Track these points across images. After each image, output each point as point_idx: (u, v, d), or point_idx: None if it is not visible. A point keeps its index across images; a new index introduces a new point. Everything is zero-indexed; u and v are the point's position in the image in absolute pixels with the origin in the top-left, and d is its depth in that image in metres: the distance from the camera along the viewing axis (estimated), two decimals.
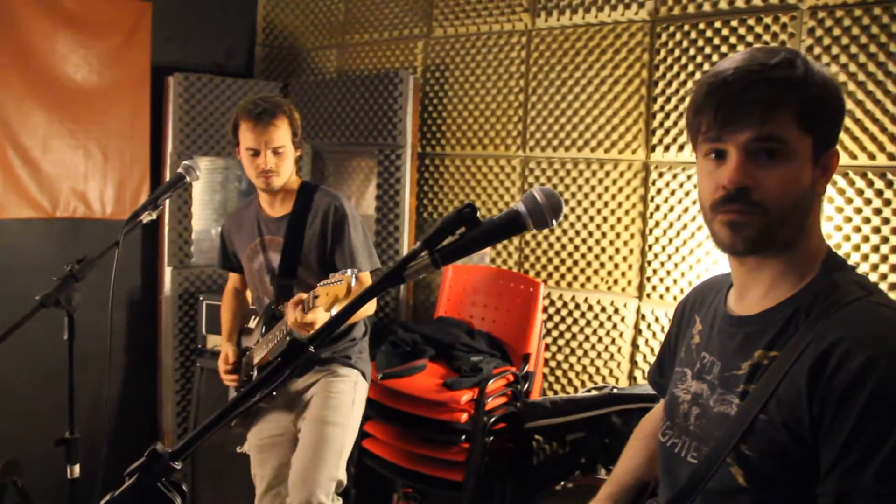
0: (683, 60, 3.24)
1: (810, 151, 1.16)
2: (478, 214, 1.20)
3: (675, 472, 1.29)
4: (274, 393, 2.65)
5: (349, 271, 2.22)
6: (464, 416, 3.12)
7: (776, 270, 1.22)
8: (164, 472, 1.11)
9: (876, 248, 2.81)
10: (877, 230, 2.81)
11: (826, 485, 1.05)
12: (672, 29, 3.28)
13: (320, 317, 2.33)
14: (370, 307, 2.78)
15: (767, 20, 3.06)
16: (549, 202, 1.18)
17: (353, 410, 2.77)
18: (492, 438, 3.19)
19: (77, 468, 2.32)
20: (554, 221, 1.19)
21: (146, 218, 2.37)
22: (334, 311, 2.40)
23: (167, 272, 4.12)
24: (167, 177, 4.06)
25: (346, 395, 2.75)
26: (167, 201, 3.58)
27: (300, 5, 4.62)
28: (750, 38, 3.09)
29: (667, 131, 3.28)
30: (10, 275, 3.55)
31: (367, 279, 2.76)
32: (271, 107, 2.64)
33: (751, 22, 3.09)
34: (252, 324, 2.98)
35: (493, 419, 3.19)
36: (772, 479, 1.12)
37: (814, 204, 1.20)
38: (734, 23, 3.13)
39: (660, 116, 3.30)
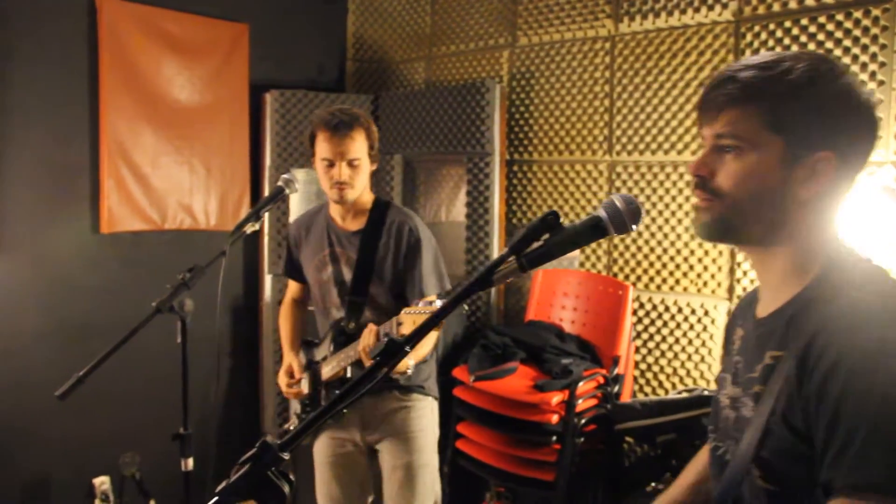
0: None
1: (780, 152, 1.19)
2: (560, 220, 1.26)
3: (721, 475, 1.31)
4: (345, 410, 2.71)
5: (438, 301, 2.23)
6: (555, 418, 3.16)
7: (779, 270, 1.25)
8: (274, 461, 1.19)
9: None
10: None
11: (819, 477, 1.06)
12: (757, 28, 3.25)
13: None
14: (432, 336, 2.70)
15: (857, 14, 3.00)
16: (628, 208, 1.23)
17: (433, 438, 2.84)
18: (582, 439, 3.22)
19: (191, 461, 2.48)
20: (633, 227, 1.24)
21: (249, 229, 2.51)
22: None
23: (267, 279, 4.31)
24: (266, 189, 4.25)
25: (428, 430, 2.80)
26: (267, 213, 3.77)
27: (388, 20, 4.76)
28: (839, 34, 3.04)
29: None
30: (125, 283, 3.79)
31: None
32: (349, 118, 2.60)
33: (839, 17, 3.04)
34: (318, 336, 2.96)
35: (583, 420, 3.22)
36: (786, 477, 1.14)
37: (786, 203, 1.20)
38: (822, 19, 3.09)
39: None
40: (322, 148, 2.61)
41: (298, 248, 2.89)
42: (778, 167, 1.19)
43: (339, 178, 2.59)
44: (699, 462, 1.56)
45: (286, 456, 1.21)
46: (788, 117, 1.18)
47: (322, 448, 2.85)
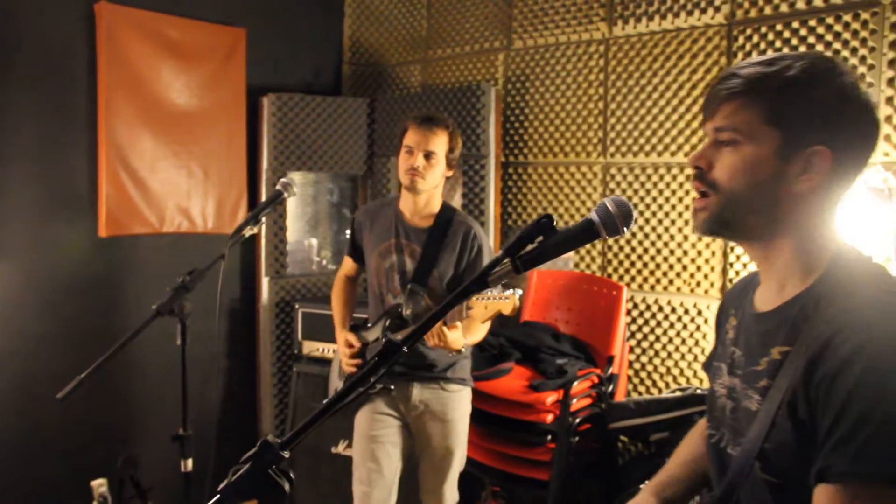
0: None
1: (776, 145, 1.22)
2: (554, 223, 1.29)
3: (720, 464, 1.34)
4: (392, 386, 2.87)
5: (517, 292, 2.40)
6: (549, 417, 3.20)
7: (780, 265, 1.27)
8: (275, 459, 1.21)
9: None
10: None
11: (814, 461, 1.08)
12: (749, 31, 3.29)
13: (457, 336, 2.58)
14: (488, 322, 2.87)
15: (847, 17, 3.04)
16: (620, 211, 1.26)
17: (466, 424, 3.04)
18: (577, 439, 3.26)
19: (190, 462, 2.50)
20: (625, 229, 1.27)
21: (248, 232, 2.54)
22: (467, 338, 2.70)
23: (264, 282, 4.33)
24: (263, 192, 4.28)
25: (464, 418, 3.02)
26: (265, 216, 3.80)
27: (384, 23, 4.79)
28: (829, 37, 3.08)
29: None
30: (124, 286, 3.82)
31: None
32: (437, 118, 2.90)
33: (829, 20, 3.09)
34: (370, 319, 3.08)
35: (578, 420, 3.26)
36: (786, 469, 1.16)
37: (781, 196, 1.23)
38: (812, 22, 3.13)
39: None
40: (407, 137, 2.90)
41: (361, 233, 3.09)
42: (773, 160, 1.22)
43: (414, 163, 2.84)
44: (693, 439, 1.60)
45: (286, 454, 1.23)
46: (785, 111, 1.21)
47: (363, 422, 2.99)
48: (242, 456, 1.23)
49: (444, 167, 2.91)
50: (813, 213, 1.25)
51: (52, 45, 3.57)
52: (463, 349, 2.68)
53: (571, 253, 3.95)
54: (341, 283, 3.21)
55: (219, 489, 1.23)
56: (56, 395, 2.21)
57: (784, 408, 1.15)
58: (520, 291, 2.47)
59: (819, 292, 1.21)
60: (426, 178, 2.86)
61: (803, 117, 1.21)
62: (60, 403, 2.25)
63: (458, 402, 2.98)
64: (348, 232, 3.38)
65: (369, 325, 3.04)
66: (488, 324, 2.82)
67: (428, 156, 2.85)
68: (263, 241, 4.31)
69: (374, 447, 2.95)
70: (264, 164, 4.28)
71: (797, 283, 1.25)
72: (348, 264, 3.21)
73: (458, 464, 3.01)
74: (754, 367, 1.27)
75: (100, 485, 3.73)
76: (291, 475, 1.26)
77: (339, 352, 3.04)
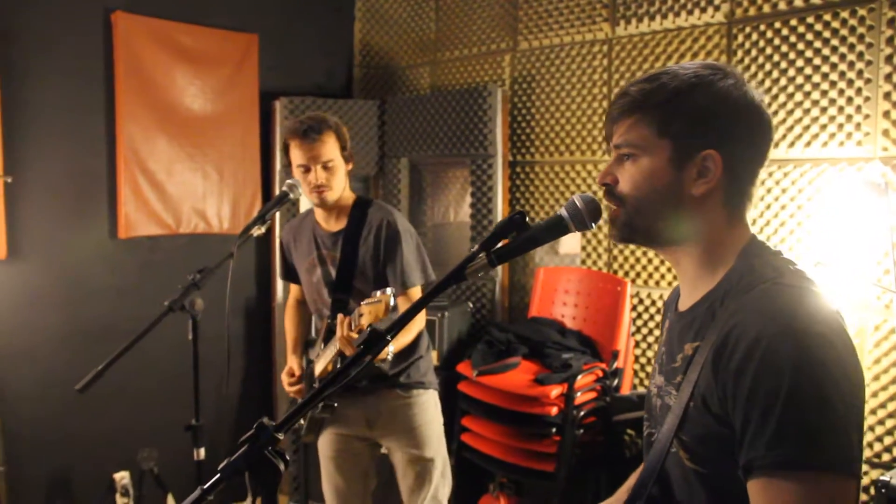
0: (761, 60, 3.30)
1: (669, 154, 1.29)
2: (527, 220, 1.37)
3: None
4: (335, 404, 2.72)
5: (388, 290, 2.27)
6: (554, 410, 3.26)
7: (691, 266, 1.34)
8: (270, 441, 1.30)
9: None
10: None
11: (739, 459, 1.14)
12: (748, 30, 3.35)
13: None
14: (420, 321, 2.78)
15: (844, 14, 3.08)
16: (587, 207, 1.33)
17: (439, 429, 2.93)
18: (581, 431, 3.33)
19: (202, 451, 2.60)
20: (593, 224, 1.34)
21: (256, 232, 2.63)
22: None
23: (279, 281, 4.42)
24: (276, 193, 4.37)
25: (432, 423, 2.90)
26: (276, 216, 3.89)
27: (394, 27, 4.88)
28: (827, 34, 3.12)
29: None
30: (142, 286, 3.94)
31: (418, 293, 2.78)
32: (317, 123, 2.69)
33: (827, 17, 3.13)
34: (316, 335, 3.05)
35: (582, 413, 3.33)
36: (710, 458, 1.22)
37: (682, 201, 1.30)
38: (810, 19, 3.17)
39: None
40: (296, 155, 2.71)
41: (290, 253, 3.01)
42: (669, 168, 1.29)
43: (316, 181, 2.69)
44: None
45: (281, 436, 1.31)
46: (671, 122, 1.28)
47: (326, 443, 2.95)
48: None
49: (344, 165, 2.78)
50: (716, 213, 1.31)
51: (72, 53, 3.70)
52: (388, 356, 2.47)
53: (578, 249, 4.02)
54: (292, 308, 3.14)
55: (219, 468, 1.32)
56: (75, 387, 2.32)
57: (699, 401, 1.22)
58: (390, 290, 2.30)
59: (725, 288, 1.27)
60: (333, 188, 2.72)
61: (688, 125, 1.27)
62: (82, 400, 2.36)
63: (421, 407, 2.86)
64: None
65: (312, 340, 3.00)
66: (410, 332, 2.72)
67: (326, 166, 2.69)
68: (278, 241, 4.38)
69: (338, 465, 2.90)
70: (277, 166, 4.39)
71: (707, 282, 1.32)
72: (294, 288, 3.12)
73: (438, 473, 2.89)
74: (672, 364, 1.34)
75: (122, 477, 3.86)
76: (286, 456, 1.35)
77: (282, 377, 2.97)
